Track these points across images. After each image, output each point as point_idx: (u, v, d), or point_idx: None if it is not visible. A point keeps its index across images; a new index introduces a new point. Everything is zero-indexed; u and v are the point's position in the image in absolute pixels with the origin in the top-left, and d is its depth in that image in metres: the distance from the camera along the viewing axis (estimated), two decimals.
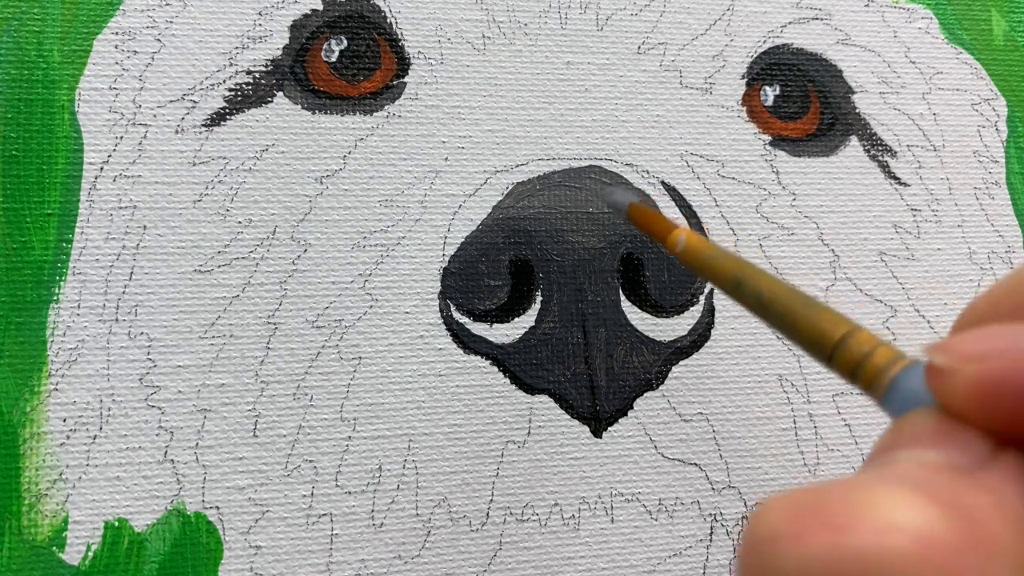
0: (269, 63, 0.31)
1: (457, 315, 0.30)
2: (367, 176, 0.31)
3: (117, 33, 0.30)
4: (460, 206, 0.31)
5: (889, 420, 0.14)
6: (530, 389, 0.30)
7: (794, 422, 0.32)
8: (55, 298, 0.28)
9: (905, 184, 0.35)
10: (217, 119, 0.30)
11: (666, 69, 0.33)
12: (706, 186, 0.33)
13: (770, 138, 0.34)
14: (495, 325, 0.30)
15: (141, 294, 0.29)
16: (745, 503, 0.31)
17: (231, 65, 0.31)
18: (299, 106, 0.31)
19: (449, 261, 0.30)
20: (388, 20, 0.32)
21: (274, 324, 0.29)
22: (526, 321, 0.30)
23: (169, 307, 0.29)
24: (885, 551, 0.09)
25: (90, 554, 0.27)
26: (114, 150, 0.29)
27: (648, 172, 0.32)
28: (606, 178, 0.31)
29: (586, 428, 0.30)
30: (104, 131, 0.30)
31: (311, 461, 0.29)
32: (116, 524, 0.28)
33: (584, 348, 0.30)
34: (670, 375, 0.31)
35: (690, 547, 0.31)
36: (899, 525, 0.09)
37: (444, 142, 0.31)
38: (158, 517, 0.28)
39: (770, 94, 0.34)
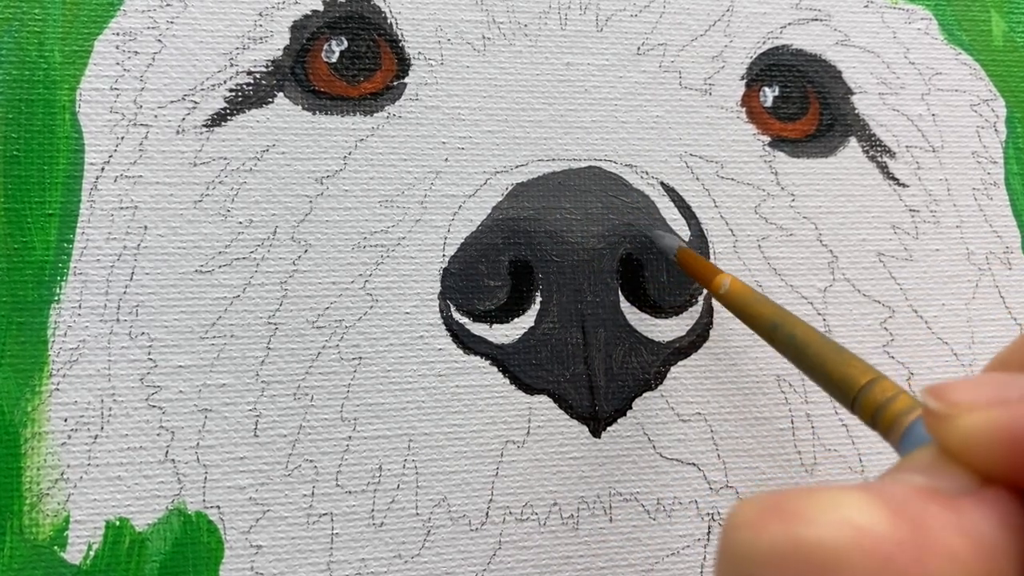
0: (270, 64, 0.31)
1: (457, 315, 0.30)
2: (367, 177, 0.31)
3: (118, 34, 0.30)
4: (460, 207, 0.31)
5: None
6: (529, 389, 0.30)
7: (792, 422, 0.32)
8: (56, 298, 0.28)
9: (904, 185, 0.35)
10: (218, 120, 0.30)
11: (665, 70, 0.33)
12: (705, 187, 0.33)
13: (769, 139, 0.34)
14: (495, 325, 0.30)
15: (142, 294, 0.29)
16: None
17: (232, 66, 0.31)
18: (299, 107, 0.31)
19: (449, 262, 0.30)
20: (388, 21, 0.32)
21: (275, 324, 0.29)
22: (526, 321, 0.30)
23: (170, 307, 0.29)
24: (823, 538, 0.11)
25: (91, 553, 0.27)
26: (115, 150, 0.30)
27: (647, 173, 0.32)
28: (605, 179, 0.32)
29: (585, 428, 0.30)
30: (105, 131, 0.30)
31: (312, 461, 0.29)
32: (117, 523, 0.28)
33: (583, 348, 0.30)
34: (668, 375, 0.31)
35: (688, 546, 0.31)
36: (842, 520, 0.11)
37: (444, 143, 0.31)
38: (159, 516, 0.28)
39: (769, 95, 0.34)
